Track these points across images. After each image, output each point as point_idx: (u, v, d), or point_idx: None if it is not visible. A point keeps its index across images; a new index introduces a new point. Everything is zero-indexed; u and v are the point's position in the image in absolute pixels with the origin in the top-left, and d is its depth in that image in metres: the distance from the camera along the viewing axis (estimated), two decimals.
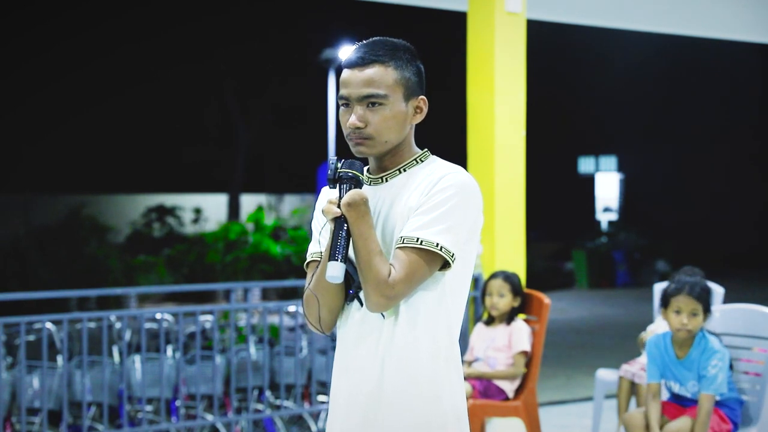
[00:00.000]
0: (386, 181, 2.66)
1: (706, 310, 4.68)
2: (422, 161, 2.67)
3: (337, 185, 2.57)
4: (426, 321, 2.56)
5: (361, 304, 2.59)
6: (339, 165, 2.57)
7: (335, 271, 2.49)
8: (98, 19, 28.20)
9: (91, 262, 18.79)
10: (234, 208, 28.91)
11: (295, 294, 16.96)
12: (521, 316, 5.79)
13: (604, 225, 28.83)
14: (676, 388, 4.80)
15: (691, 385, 4.71)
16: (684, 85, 31.50)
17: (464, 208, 2.57)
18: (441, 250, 2.52)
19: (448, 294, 2.60)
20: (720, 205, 31.35)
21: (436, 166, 2.64)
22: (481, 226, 2.66)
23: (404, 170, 2.66)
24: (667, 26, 9.55)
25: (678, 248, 25.32)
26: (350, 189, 2.54)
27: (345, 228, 2.52)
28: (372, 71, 2.60)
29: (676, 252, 24.77)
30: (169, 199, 28.11)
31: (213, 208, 29.50)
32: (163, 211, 27.28)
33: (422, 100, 2.67)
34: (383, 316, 2.57)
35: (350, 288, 2.60)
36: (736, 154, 31.77)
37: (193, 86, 29.21)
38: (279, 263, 19.20)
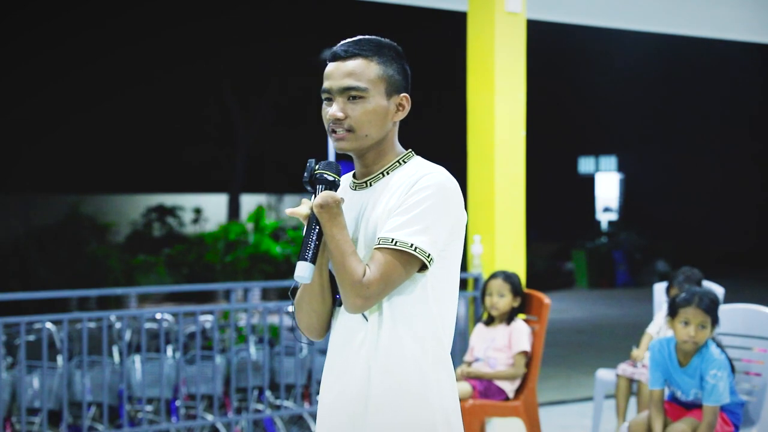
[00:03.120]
0: (370, 185, 2.65)
1: (714, 322, 4.65)
2: (405, 162, 2.66)
3: (314, 187, 2.56)
4: (409, 322, 2.55)
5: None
6: (316, 167, 2.56)
7: (304, 272, 2.49)
8: (98, 19, 28.19)
9: (91, 262, 18.79)
10: (234, 208, 28.91)
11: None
12: (521, 316, 5.79)
13: (604, 225, 28.84)
14: (678, 394, 4.78)
15: (693, 393, 4.70)
16: (684, 85, 31.48)
17: (442, 208, 2.54)
18: (416, 250, 2.50)
19: (431, 295, 2.57)
20: (720, 205, 31.34)
21: (415, 167, 2.63)
22: (464, 224, 2.63)
23: (387, 173, 2.64)
24: (667, 26, 9.54)
25: (678, 248, 25.31)
26: (323, 190, 2.53)
27: (316, 229, 2.51)
28: (354, 64, 2.60)
29: (676, 252, 24.76)
30: (169, 199, 28.10)
31: (213, 208, 29.51)
32: (163, 211, 27.28)
33: (405, 98, 2.66)
34: (366, 318, 2.55)
35: (337, 292, 2.59)
36: (736, 153, 31.77)
37: (193, 86, 29.20)
38: (279, 263, 19.21)
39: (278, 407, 6.91)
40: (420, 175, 2.56)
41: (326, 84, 2.62)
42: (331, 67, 2.63)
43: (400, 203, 2.54)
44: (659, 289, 6.52)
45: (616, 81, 31.16)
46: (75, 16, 28.23)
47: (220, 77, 28.88)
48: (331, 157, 23.30)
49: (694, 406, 4.73)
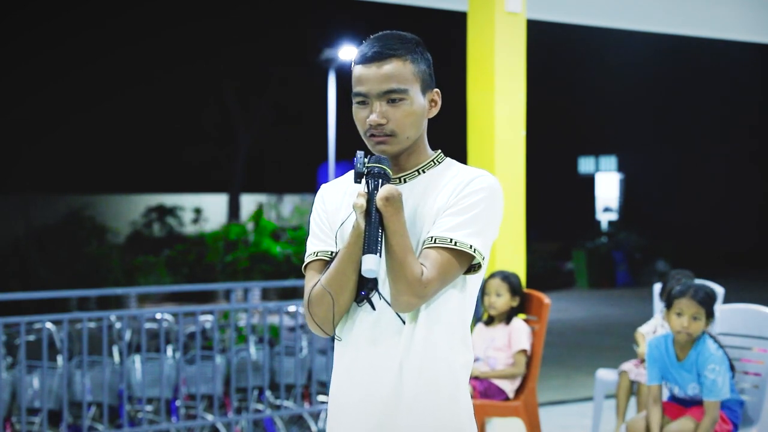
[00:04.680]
0: (404, 181, 2.59)
1: (709, 315, 4.68)
2: (439, 163, 2.62)
3: (363, 180, 2.47)
4: (444, 323, 2.51)
5: (373, 308, 2.51)
6: (366, 159, 2.49)
7: (373, 265, 2.38)
8: (98, 19, 28.21)
9: (91, 262, 18.81)
10: (234, 208, 28.93)
11: (295, 294, 16.95)
12: (521, 316, 5.79)
13: (604, 225, 28.85)
14: (676, 390, 4.79)
15: (690, 388, 4.71)
16: (684, 85, 31.50)
17: (493, 212, 2.53)
18: (474, 252, 2.46)
19: (467, 297, 2.55)
20: (720, 205, 31.36)
21: (460, 168, 2.59)
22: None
23: (423, 171, 2.60)
24: (667, 26, 9.54)
25: (678, 248, 25.32)
26: (379, 183, 2.45)
27: (379, 223, 2.42)
28: (391, 66, 2.52)
29: (676, 252, 24.78)
30: (169, 199, 28.13)
31: (213, 208, 29.53)
32: (163, 211, 27.31)
33: (436, 93, 2.62)
34: (403, 320, 2.49)
35: (362, 289, 2.50)
36: (736, 153, 31.78)
37: (193, 86, 29.23)
38: (279, 263, 19.22)
39: (278, 407, 6.91)
40: (472, 177, 2.54)
41: (362, 88, 2.53)
42: (363, 70, 2.54)
43: (451, 203, 2.50)
44: (659, 288, 6.52)
45: (616, 81, 31.19)
46: (75, 16, 28.25)
47: (220, 77, 28.90)
48: (332, 156, 23.19)
49: (693, 403, 4.74)
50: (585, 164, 36.09)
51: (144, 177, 30.61)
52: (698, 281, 5.98)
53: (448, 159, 2.65)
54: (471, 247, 2.46)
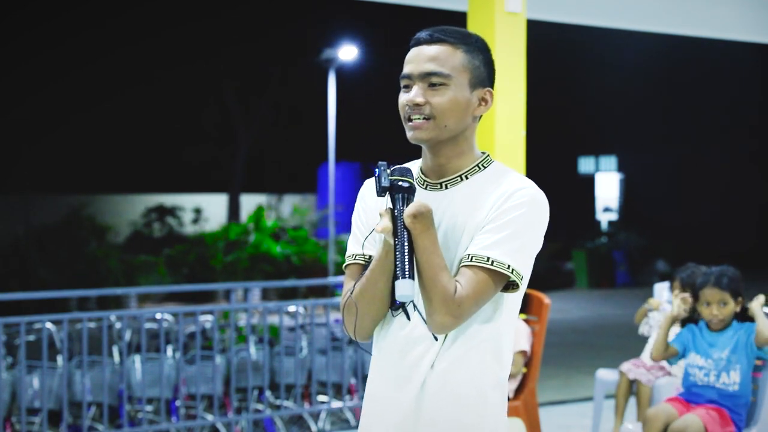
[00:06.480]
0: (446, 187, 2.48)
1: (736, 297, 4.78)
2: (485, 167, 2.51)
3: (387, 194, 2.36)
4: (479, 341, 2.43)
5: (408, 318, 2.44)
6: (388, 171, 2.38)
7: (407, 290, 2.30)
8: (98, 19, 28.21)
9: (91, 262, 18.81)
10: (234, 208, 28.93)
11: (295, 294, 16.98)
12: (521, 316, 5.79)
13: (604, 225, 28.87)
14: (700, 362, 4.80)
15: (716, 356, 4.74)
16: (684, 85, 31.50)
17: (536, 227, 2.42)
18: (512, 272, 2.37)
19: (504, 315, 2.47)
20: (720, 205, 31.36)
21: (503, 176, 2.49)
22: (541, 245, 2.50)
23: (466, 177, 2.49)
24: (667, 26, 9.54)
25: (678, 248, 25.32)
26: (406, 198, 2.35)
27: (408, 241, 2.32)
28: (439, 49, 2.45)
29: (676, 252, 24.78)
30: (169, 199, 28.13)
31: (213, 208, 29.53)
32: (163, 211, 27.32)
33: (488, 92, 2.52)
34: (435, 338, 2.41)
35: (396, 299, 2.41)
36: (736, 154, 31.78)
37: (193, 86, 29.22)
38: (279, 263, 19.22)
39: (278, 407, 6.91)
40: (514, 189, 2.43)
41: (407, 69, 2.46)
42: (413, 51, 2.48)
43: (491, 217, 2.40)
44: (659, 289, 6.52)
45: (616, 81, 31.18)
46: (75, 16, 28.26)
47: (220, 77, 28.90)
48: (332, 156, 23.20)
49: (698, 400, 4.75)
50: (585, 164, 36.08)
51: (144, 177, 30.61)
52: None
53: (495, 163, 2.55)
54: (509, 267, 2.36)
